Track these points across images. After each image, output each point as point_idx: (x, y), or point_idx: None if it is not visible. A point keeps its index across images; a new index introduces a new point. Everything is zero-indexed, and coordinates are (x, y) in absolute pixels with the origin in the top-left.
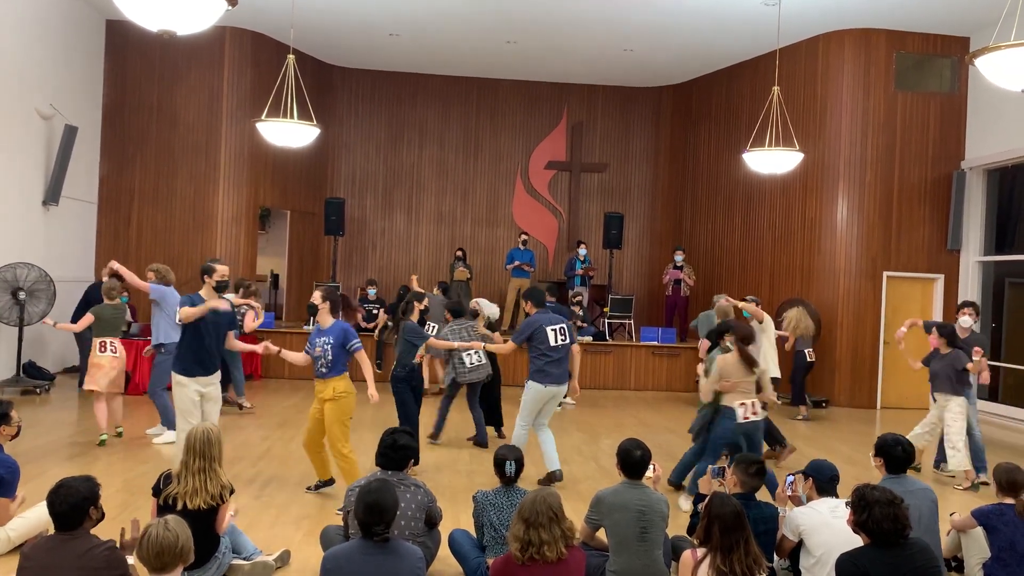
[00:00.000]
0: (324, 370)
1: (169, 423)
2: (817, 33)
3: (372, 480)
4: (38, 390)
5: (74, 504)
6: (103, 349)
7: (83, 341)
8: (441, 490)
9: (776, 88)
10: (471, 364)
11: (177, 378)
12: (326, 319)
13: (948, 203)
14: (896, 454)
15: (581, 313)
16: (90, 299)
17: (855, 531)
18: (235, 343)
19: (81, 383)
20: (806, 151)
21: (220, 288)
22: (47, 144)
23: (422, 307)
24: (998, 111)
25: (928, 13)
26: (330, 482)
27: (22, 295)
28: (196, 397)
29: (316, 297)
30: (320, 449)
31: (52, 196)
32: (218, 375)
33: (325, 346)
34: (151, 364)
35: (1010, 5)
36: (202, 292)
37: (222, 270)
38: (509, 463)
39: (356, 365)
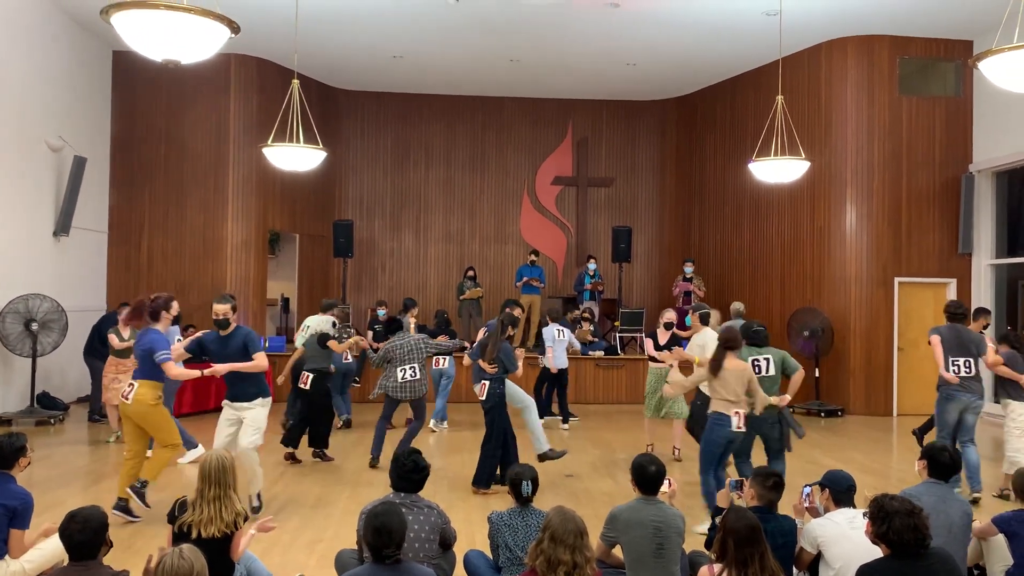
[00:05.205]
0: None
1: (186, 443)
2: (819, 41)
3: (378, 504)
4: (52, 420)
5: (93, 531)
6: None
7: (96, 372)
8: (455, 511)
9: (780, 97)
10: (401, 380)
11: None
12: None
13: (957, 207)
14: (943, 460)
15: (591, 328)
16: (102, 329)
17: (874, 542)
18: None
19: (92, 414)
20: (812, 159)
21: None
22: (57, 175)
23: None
24: (1005, 113)
25: (930, 18)
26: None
27: (35, 326)
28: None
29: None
30: None
31: (63, 227)
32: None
33: None
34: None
35: (1012, 7)
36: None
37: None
38: (525, 483)
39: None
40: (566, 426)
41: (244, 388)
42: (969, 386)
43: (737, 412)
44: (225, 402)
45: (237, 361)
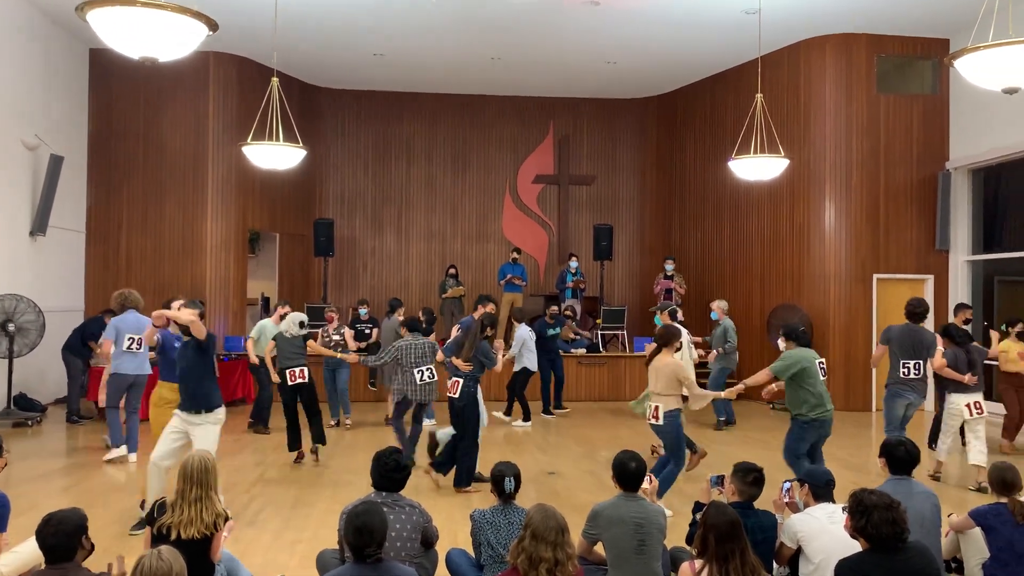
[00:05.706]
0: None
1: (114, 440)
2: (798, 39)
3: (359, 503)
4: (29, 422)
5: (67, 534)
6: None
7: (73, 370)
8: (437, 509)
9: (759, 95)
10: (420, 381)
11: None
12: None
13: (935, 204)
14: (898, 455)
15: (574, 325)
16: (86, 332)
17: (853, 536)
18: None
19: (70, 415)
20: (791, 157)
21: None
22: (33, 174)
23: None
24: (981, 111)
25: (907, 16)
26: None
27: (11, 327)
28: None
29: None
30: None
31: (39, 226)
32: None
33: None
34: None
35: (987, 6)
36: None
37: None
38: (508, 480)
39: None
40: (550, 417)
41: (199, 396)
42: (915, 387)
43: (657, 406)
44: (176, 411)
45: (195, 367)
